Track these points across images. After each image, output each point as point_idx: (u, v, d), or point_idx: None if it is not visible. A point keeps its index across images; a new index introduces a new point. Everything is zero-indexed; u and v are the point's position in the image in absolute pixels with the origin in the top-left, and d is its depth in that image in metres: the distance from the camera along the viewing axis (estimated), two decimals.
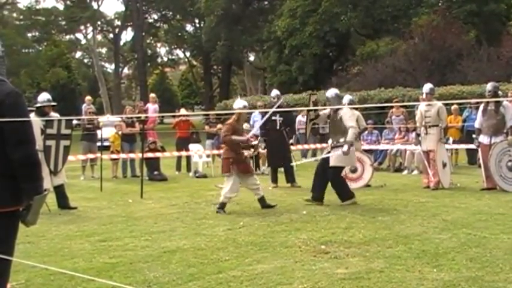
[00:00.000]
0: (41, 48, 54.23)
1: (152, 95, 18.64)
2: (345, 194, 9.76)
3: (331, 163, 9.69)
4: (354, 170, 12.21)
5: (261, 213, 8.97)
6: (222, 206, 9.22)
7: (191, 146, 16.20)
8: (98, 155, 14.40)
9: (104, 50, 69.07)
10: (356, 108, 13.49)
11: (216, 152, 16.22)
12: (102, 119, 18.78)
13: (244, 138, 9.27)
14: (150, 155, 14.52)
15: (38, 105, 9.93)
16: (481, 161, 11.62)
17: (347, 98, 12.96)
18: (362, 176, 12.27)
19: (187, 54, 59.35)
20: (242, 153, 9.38)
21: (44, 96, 10.07)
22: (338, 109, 9.80)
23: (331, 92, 10.31)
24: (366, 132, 15.96)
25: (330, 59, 40.70)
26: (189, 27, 57.61)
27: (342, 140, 9.67)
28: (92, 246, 6.94)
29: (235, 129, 9.28)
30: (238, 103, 9.83)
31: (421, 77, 28.76)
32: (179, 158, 16.49)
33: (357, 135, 12.36)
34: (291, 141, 13.29)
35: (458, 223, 7.75)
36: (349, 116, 9.82)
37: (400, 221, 8.06)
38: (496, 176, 10.91)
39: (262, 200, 9.45)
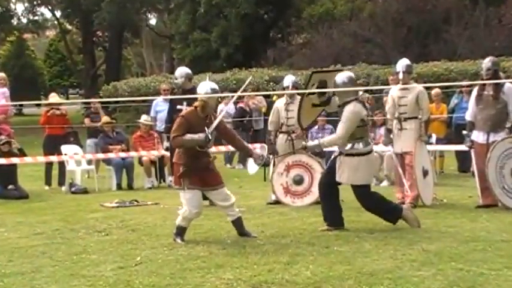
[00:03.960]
0: None
1: (0, 74, 18.20)
2: (392, 211, 9.81)
3: (348, 180, 9.69)
4: (298, 181, 12.31)
5: (167, 244, 8.93)
6: (179, 232, 9.13)
7: (65, 148, 15.98)
8: None
9: None
10: (302, 94, 13.64)
11: (101, 156, 16.08)
12: None
13: (202, 135, 9.10)
14: (1, 161, 14.24)
15: None
16: (475, 167, 11.92)
17: (289, 79, 13.07)
18: (310, 188, 12.30)
19: (58, 14, 58.40)
20: (203, 157, 9.28)
21: None
22: (346, 102, 9.73)
23: (342, 76, 9.99)
24: (316, 127, 16.17)
25: (264, 23, 40.88)
26: None
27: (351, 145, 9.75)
28: None
29: (192, 124, 9.18)
30: (205, 86, 9.67)
31: (393, 50, 29.34)
32: (48, 165, 16.24)
33: (303, 132, 12.54)
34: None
35: (444, 255, 7.90)
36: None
37: (364, 252, 8.17)
38: (497, 188, 11.14)
39: (236, 224, 9.34)
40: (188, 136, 9.06)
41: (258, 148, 10.13)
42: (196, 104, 9.42)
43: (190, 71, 13.41)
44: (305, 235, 9.36)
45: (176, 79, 13.16)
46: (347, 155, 9.68)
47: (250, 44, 38.38)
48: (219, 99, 20.01)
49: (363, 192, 9.83)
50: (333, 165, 9.84)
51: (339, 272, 7.20)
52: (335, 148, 14.76)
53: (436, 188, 12.53)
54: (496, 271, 7.10)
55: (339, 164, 9.67)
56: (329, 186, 9.88)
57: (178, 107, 12.60)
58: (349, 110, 9.66)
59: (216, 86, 9.67)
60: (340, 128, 9.68)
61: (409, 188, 11.66)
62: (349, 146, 9.70)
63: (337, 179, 9.70)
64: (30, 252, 8.75)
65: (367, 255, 8.00)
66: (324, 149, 15.91)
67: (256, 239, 9.13)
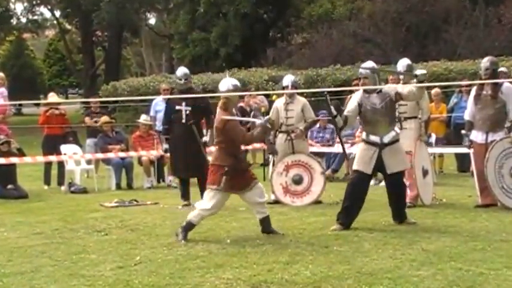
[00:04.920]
0: None
1: None
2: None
3: (397, 168, 9.89)
4: (298, 181, 12.31)
5: (167, 243, 8.93)
6: (187, 228, 9.20)
7: (64, 148, 15.97)
8: None
9: None
10: (302, 94, 13.64)
11: (100, 155, 16.07)
12: None
13: (258, 122, 9.36)
14: (1, 161, 14.24)
15: None
16: (474, 167, 11.92)
17: (288, 78, 13.07)
18: (310, 188, 12.36)
19: (57, 13, 58.36)
20: (243, 159, 9.57)
21: None
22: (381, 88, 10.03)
23: (366, 65, 10.38)
24: (317, 127, 16.17)
25: (264, 23, 40.91)
26: None
27: (393, 132, 9.96)
28: None
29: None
30: (226, 83, 9.75)
31: (392, 50, 29.34)
32: (48, 165, 16.24)
33: (302, 131, 12.54)
34: (205, 139, 13.23)
35: (444, 254, 7.92)
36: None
37: (363, 251, 8.19)
38: (496, 188, 11.16)
39: (265, 222, 9.49)
40: (248, 134, 9.46)
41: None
42: (220, 104, 9.55)
43: (188, 71, 13.36)
44: (304, 235, 9.38)
45: (180, 80, 12.98)
46: (392, 143, 9.87)
47: (249, 43, 38.34)
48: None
49: (402, 177, 10.14)
50: (367, 166, 9.87)
51: (339, 272, 7.21)
52: (338, 148, 14.81)
53: (435, 187, 12.54)
54: (496, 271, 7.11)
55: (385, 156, 9.79)
56: (364, 188, 9.95)
57: (177, 107, 12.57)
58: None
59: (237, 82, 9.86)
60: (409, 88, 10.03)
61: (409, 187, 11.62)
62: (393, 133, 9.92)
63: (389, 171, 9.82)
64: (30, 252, 8.75)
65: (367, 254, 8.02)
66: (327, 149, 16.03)
67: (256, 238, 9.15)
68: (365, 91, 9.99)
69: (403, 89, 10.01)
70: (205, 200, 9.32)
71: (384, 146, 9.78)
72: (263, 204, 9.54)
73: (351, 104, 10.05)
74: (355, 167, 10.01)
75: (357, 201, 9.86)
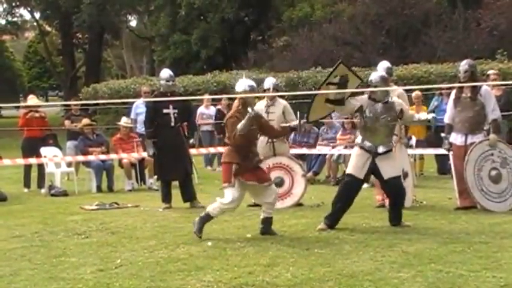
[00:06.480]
0: None
1: None
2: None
3: (394, 173, 10.03)
4: (279, 183, 12.31)
5: (148, 246, 8.92)
6: (206, 219, 9.39)
7: (44, 151, 15.89)
8: None
9: None
10: (282, 96, 13.64)
11: (81, 158, 16.00)
12: None
13: (250, 112, 9.38)
14: None
15: None
16: (453, 169, 11.96)
17: (269, 81, 13.07)
18: (291, 191, 12.36)
19: (37, 15, 58.15)
20: (254, 157, 9.64)
21: None
22: (387, 94, 10.09)
23: (376, 74, 10.38)
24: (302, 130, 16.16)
25: (245, 26, 40.94)
26: None
27: (389, 143, 10.12)
28: None
29: (241, 121, 9.47)
30: (242, 84, 9.86)
31: (372, 53, 29.41)
32: (27, 167, 16.16)
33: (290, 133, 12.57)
34: (191, 141, 13.20)
35: (424, 256, 7.96)
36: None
37: (344, 254, 8.21)
38: (476, 190, 11.21)
39: (266, 222, 9.60)
40: (239, 125, 9.35)
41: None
42: (235, 103, 9.74)
43: (172, 73, 13.31)
44: (285, 237, 9.39)
45: (168, 81, 12.89)
46: (388, 151, 10.01)
47: (230, 46, 38.38)
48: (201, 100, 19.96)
49: (401, 181, 10.31)
50: (360, 172, 10.01)
51: (319, 274, 7.23)
52: (320, 150, 14.85)
53: (415, 190, 12.59)
54: (475, 272, 7.16)
55: (379, 162, 9.94)
56: (356, 192, 10.09)
57: (165, 111, 12.50)
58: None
59: (253, 83, 10.00)
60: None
61: None
62: (389, 144, 10.09)
63: (386, 177, 9.95)
64: (9, 255, 8.71)
65: (347, 257, 8.04)
66: (308, 152, 16.01)
67: (237, 241, 9.16)
68: (372, 99, 10.04)
69: (408, 111, 10.34)
70: (226, 195, 9.46)
71: (377, 154, 9.90)
72: (272, 205, 9.65)
73: (356, 99, 10.11)
74: (348, 170, 10.16)
75: (346, 203, 10.00)
